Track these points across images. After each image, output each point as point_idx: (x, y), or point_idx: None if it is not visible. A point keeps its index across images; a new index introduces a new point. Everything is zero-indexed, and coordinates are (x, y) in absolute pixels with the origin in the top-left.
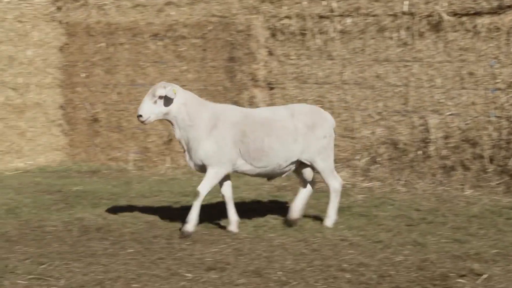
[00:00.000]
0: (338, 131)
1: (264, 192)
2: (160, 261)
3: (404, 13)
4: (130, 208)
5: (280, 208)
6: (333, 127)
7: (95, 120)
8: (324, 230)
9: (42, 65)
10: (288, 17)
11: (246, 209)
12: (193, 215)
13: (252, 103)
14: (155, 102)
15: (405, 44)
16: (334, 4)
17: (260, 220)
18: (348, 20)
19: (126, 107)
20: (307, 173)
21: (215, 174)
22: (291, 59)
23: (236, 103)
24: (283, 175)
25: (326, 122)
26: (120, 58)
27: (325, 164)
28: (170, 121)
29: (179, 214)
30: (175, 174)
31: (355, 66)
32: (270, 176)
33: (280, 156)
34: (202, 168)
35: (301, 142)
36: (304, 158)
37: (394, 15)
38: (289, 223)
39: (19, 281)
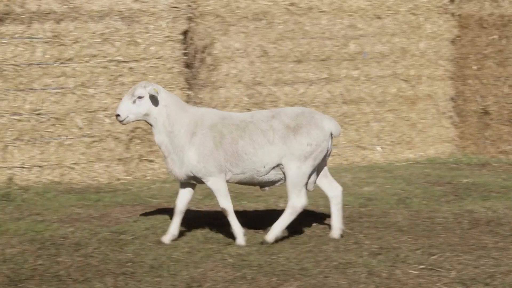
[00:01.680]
0: None
1: None
2: None
3: None
4: None
5: None
6: (329, 138)
7: (486, 112)
8: None
9: (434, 57)
10: None
11: None
12: (237, 229)
13: None
14: (134, 101)
15: None
16: None
17: None
18: None
19: None
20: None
21: (215, 185)
22: None
23: None
24: (277, 184)
25: (318, 130)
26: None
27: (295, 173)
28: (150, 123)
29: None
30: None
31: None
32: (255, 185)
33: (256, 160)
34: (190, 179)
35: (279, 145)
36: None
37: None
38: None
39: (410, 271)
